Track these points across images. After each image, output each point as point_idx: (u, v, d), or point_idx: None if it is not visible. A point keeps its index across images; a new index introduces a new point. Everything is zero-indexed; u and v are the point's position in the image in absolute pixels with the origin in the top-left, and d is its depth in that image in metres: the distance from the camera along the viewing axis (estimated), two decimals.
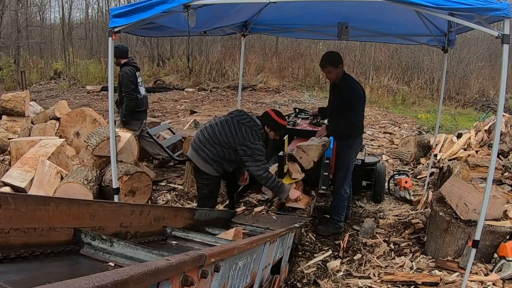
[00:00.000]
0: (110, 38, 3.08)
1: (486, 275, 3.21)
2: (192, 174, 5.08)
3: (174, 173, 5.80)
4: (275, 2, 2.92)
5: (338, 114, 3.98)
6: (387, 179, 5.23)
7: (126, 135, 4.85)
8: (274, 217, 3.44)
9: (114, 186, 3.40)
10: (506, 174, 4.89)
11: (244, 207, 3.92)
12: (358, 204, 4.98)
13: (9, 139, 5.27)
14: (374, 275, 3.47)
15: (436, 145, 6.16)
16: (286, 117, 5.25)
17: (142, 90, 5.42)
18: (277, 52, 16.39)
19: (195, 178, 3.75)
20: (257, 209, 3.64)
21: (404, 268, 3.54)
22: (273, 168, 3.75)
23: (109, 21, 3.08)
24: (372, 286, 3.31)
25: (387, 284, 3.29)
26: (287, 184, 3.58)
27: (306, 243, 4.03)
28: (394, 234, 4.19)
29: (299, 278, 3.47)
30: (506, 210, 3.59)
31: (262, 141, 3.44)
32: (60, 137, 5.44)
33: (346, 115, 3.85)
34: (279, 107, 11.38)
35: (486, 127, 6.25)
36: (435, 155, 6.01)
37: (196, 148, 3.50)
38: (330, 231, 4.17)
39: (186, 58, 15.87)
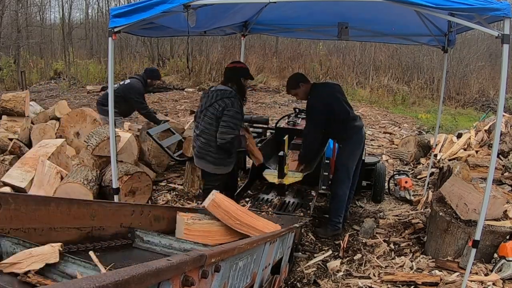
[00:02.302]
0: (110, 38, 3.08)
1: (486, 275, 3.21)
2: (192, 174, 5.08)
3: (174, 173, 5.80)
4: (275, 2, 2.92)
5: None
6: (387, 179, 5.23)
7: (126, 135, 4.85)
8: (274, 217, 3.44)
9: (114, 186, 3.40)
10: (506, 174, 4.89)
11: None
12: (358, 204, 4.98)
13: (9, 139, 5.27)
14: (374, 275, 3.47)
15: (436, 145, 6.16)
16: (286, 117, 5.27)
17: None
18: (277, 52, 16.37)
19: (204, 181, 3.70)
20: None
21: (404, 268, 3.54)
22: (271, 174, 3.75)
23: (109, 21, 3.08)
24: (372, 286, 3.31)
25: (387, 284, 3.29)
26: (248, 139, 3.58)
27: (306, 243, 4.03)
28: (394, 234, 4.20)
29: (299, 278, 3.47)
30: (506, 210, 3.59)
31: (239, 106, 3.38)
32: (60, 137, 5.44)
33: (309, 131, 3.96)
34: (279, 107, 11.39)
35: (486, 127, 6.25)
36: (435, 155, 6.00)
37: (202, 156, 3.48)
38: (328, 233, 4.14)
39: (186, 58, 15.85)
